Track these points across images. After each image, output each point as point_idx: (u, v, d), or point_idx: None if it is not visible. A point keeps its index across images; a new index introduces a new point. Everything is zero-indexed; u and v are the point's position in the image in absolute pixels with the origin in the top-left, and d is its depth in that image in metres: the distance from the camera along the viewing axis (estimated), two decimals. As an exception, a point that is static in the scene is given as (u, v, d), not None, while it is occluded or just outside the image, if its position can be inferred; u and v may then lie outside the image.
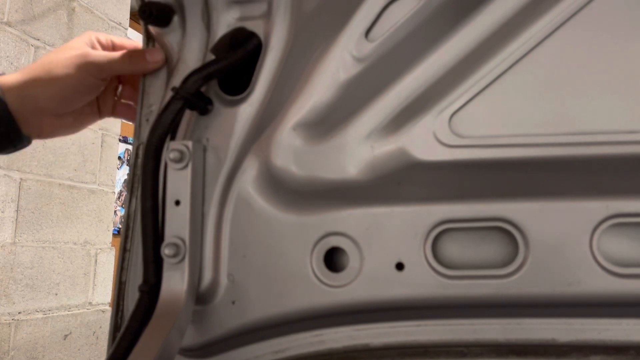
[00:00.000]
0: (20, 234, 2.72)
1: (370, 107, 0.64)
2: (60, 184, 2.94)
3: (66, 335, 2.98)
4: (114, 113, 0.85)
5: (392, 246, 0.63)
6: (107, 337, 3.09)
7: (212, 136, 0.69)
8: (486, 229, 0.63)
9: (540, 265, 0.60)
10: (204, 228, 0.67)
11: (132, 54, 0.73)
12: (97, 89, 0.79)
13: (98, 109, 0.84)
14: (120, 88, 0.85)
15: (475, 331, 0.63)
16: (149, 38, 0.75)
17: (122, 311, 0.71)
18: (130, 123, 0.82)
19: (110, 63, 0.74)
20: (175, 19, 0.73)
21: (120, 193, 4.27)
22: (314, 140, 0.65)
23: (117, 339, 0.61)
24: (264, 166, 0.66)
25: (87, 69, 0.74)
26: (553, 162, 0.60)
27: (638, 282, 0.59)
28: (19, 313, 2.72)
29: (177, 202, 0.64)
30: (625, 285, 0.59)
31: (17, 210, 2.70)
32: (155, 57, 0.73)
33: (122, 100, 0.85)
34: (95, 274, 3.19)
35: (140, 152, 0.72)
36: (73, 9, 2.99)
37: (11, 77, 0.76)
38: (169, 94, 0.66)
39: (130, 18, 3.49)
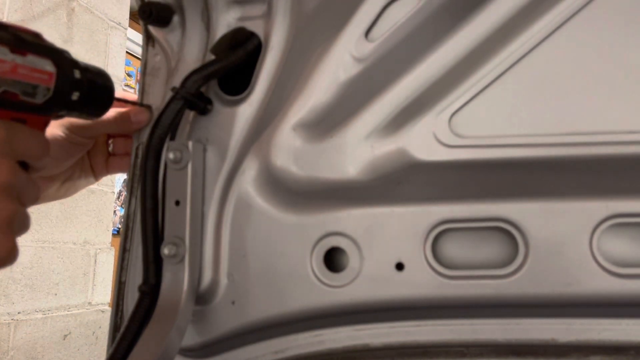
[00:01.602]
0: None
1: (370, 107, 0.64)
2: (59, 184, 2.93)
3: (65, 335, 2.98)
4: (108, 170, 0.80)
5: (392, 246, 0.63)
6: (106, 337, 3.09)
7: (211, 136, 0.69)
8: (486, 229, 0.63)
9: (540, 265, 0.60)
10: (203, 228, 0.67)
11: (118, 116, 0.71)
12: (85, 147, 0.75)
13: (92, 171, 0.79)
14: (111, 145, 0.80)
15: (475, 331, 0.63)
16: (148, 38, 0.75)
17: (122, 311, 0.71)
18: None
19: (95, 124, 0.71)
20: (175, 19, 0.73)
21: (119, 193, 4.27)
22: (313, 141, 0.65)
23: (117, 339, 0.60)
24: (264, 166, 0.66)
25: (72, 129, 0.71)
26: (553, 162, 0.60)
27: (638, 282, 0.59)
28: (19, 313, 2.72)
29: (177, 202, 0.64)
30: (625, 286, 0.59)
31: (16, 210, 2.69)
32: (140, 118, 0.72)
33: (115, 154, 0.80)
34: (94, 274, 3.19)
35: (140, 152, 0.72)
36: (72, 9, 2.99)
37: None
38: (169, 94, 0.66)
39: (130, 18, 3.49)
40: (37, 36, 0.52)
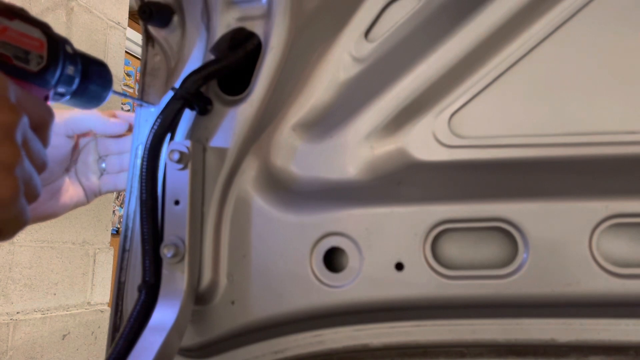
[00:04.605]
0: (19, 233, 2.72)
1: (370, 107, 0.64)
2: (58, 184, 2.93)
3: (64, 335, 2.98)
4: (101, 189, 0.79)
5: (391, 246, 0.63)
6: (105, 337, 3.09)
7: (211, 136, 0.69)
8: (486, 229, 0.63)
9: (540, 265, 0.60)
10: (203, 228, 0.67)
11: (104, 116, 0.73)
12: (65, 149, 0.73)
13: (83, 189, 0.77)
14: (104, 163, 0.79)
15: (474, 331, 0.63)
16: (148, 38, 0.75)
17: (121, 311, 0.71)
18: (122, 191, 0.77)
19: (82, 118, 0.71)
20: (175, 19, 0.73)
21: (118, 193, 4.27)
22: (313, 141, 0.65)
23: (117, 339, 0.60)
24: (264, 166, 0.66)
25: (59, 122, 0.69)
26: (553, 163, 0.60)
27: (637, 282, 0.59)
28: (18, 313, 2.72)
29: (177, 202, 0.64)
30: (625, 286, 0.59)
31: (15, 210, 2.68)
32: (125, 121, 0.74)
33: (108, 173, 0.79)
34: (93, 273, 3.18)
35: (140, 152, 0.72)
36: (72, 9, 2.99)
37: None
38: (169, 94, 0.66)
39: (129, 18, 3.49)
40: (22, 10, 0.52)
